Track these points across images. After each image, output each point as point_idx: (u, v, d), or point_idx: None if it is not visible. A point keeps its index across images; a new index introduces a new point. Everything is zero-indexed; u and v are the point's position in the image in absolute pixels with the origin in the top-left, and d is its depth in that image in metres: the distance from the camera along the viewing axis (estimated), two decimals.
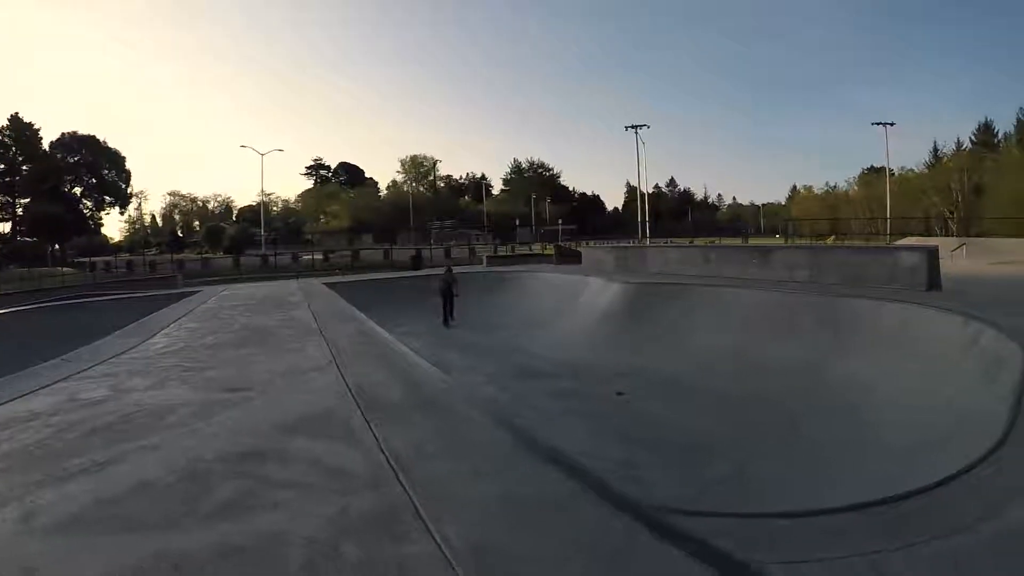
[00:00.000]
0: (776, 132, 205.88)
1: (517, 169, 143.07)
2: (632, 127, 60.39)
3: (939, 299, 10.21)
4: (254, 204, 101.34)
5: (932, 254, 12.50)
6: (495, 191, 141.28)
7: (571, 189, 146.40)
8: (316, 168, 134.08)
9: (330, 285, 17.12)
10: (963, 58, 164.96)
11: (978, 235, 51.67)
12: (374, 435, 3.94)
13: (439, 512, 2.77)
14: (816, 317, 10.50)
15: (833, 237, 59.01)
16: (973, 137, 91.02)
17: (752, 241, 49.59)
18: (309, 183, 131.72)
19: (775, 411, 8.24)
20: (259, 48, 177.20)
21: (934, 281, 12.03)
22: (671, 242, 52.44)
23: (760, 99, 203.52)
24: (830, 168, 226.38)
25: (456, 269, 18.78)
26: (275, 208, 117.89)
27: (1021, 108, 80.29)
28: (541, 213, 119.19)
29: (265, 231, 77.20)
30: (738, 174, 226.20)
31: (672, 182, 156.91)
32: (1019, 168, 61.71)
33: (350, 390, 5.18)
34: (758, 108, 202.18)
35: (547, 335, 13.87)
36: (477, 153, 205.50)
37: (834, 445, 6.83)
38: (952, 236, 58.90)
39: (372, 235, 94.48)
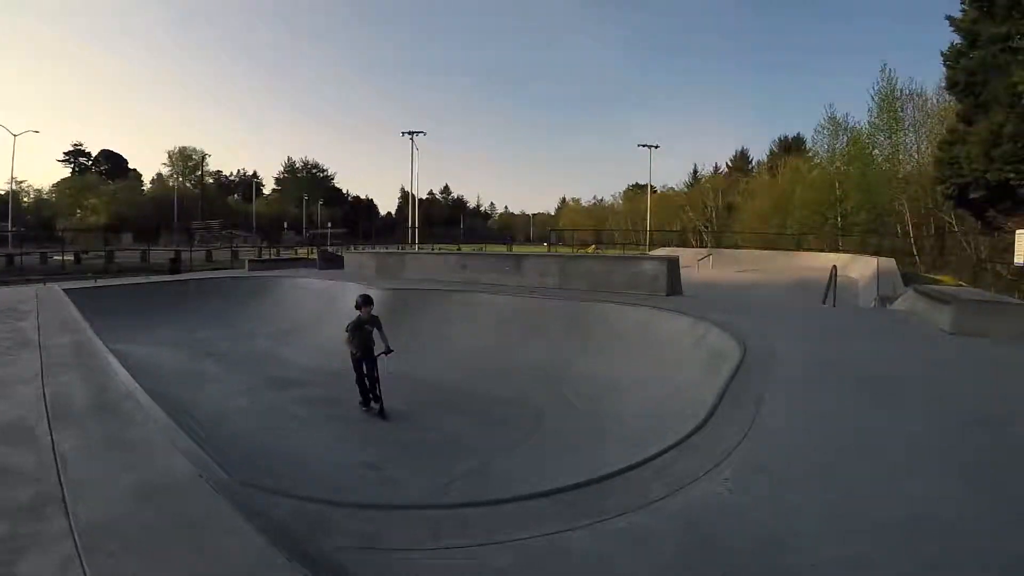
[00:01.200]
0: (551, 147, 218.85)
1: (291, 168, 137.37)
2: (408, 133, 60.17)
3: (676, 303, 11.22)
4: (1, 193, 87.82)
5: (672, 263, 13.48)
6: (267, 190, 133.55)
7: (345, 192, 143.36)
8: (75, 155, 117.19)
9: (71, 291, 15.38)
10: (724, 97, 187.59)
11: (727, 247, 57.72)
12: (51, 439, 4.15)
13: (79, 499, 3.10)
14: (564, 321, 11.12)
15: (594, 246, 61.43)
16: (730, 162, 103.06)
17: (518, 249, 51.51)
18: (67, 171, 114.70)
19: (524, 408, 8.62)
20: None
21: (674, 287, 13.16)
22: (439, 248, 53.32)
23: (537, 114, 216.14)
24: (600, 182, 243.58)
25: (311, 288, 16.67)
26: (26, 199, 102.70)
27: (773, 140, 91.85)
28: (313, 215, 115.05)
29: (12, 227, 67.21)
30: (512, 185, 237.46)
31: (447, 189, 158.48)
32: (765, 190, 69.61)
33: (46, 400, 5.18)
34: (535, 122, 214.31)
35: (305, 343, 13.44)
36: (250, 149, 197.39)
37: (576, 435, 7.28)
38: (704, 247, 65.47)
39: (133, 234, 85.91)
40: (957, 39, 28.28)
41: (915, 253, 41.36)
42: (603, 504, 3.36)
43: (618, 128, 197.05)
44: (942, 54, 29.06)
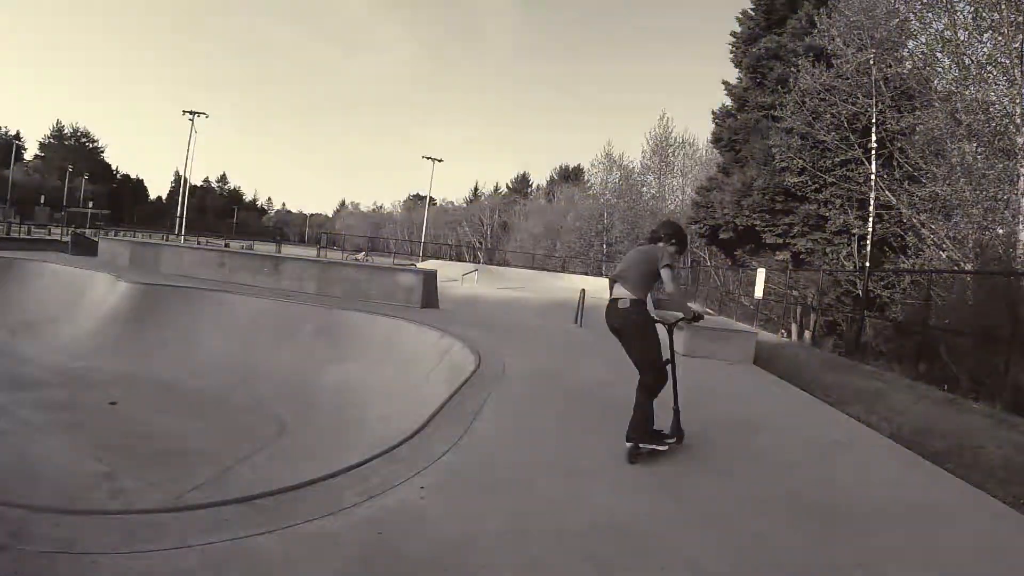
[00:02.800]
0: (336, 148, 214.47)
1: (59, 133, 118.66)
2: (190, 113, 55.23)
3: (430, 317, 11.67)
4: None
5: (429, 277, 14.10)
6: (28, 156, 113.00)
7: (115, 169, 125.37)
8: None
9: None
10: (509, 122, 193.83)
11: (498, 264, 59.64)
12: None
13: None
14: (317, 327, 11.03)
15: (363, 253, 60.48)
16: (510, 184, 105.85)
17: (287, 250, 48.93)
18: None
19: (269, 415, 8.56)
20: None
21: (430, 300, 13.80)
22: (206, 242, 49.76)
23: (326, 115, 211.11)
24: (383, 190, 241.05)
25: None
26: None
27: (554, 168, 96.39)
28: (76, 191, 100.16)
29: None
30: (293, 182, 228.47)
31: (224, 178, 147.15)
32: (540, 213, 72.97)
33: None
34: (325, 122, 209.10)
35: (46, 338, 12.03)
36: (13, 104, 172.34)
37: (318, 444, 7.32)
38: (475, 262, 67.14)
39: None
40: (728, 101, 31.78)
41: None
42: (295, 509, 3.47)
43: (408, 139, 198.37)
44: (712, 112, 32.54)
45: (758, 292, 22.46)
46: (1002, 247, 16.84)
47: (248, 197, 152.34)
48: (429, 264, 40.05)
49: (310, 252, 47.91)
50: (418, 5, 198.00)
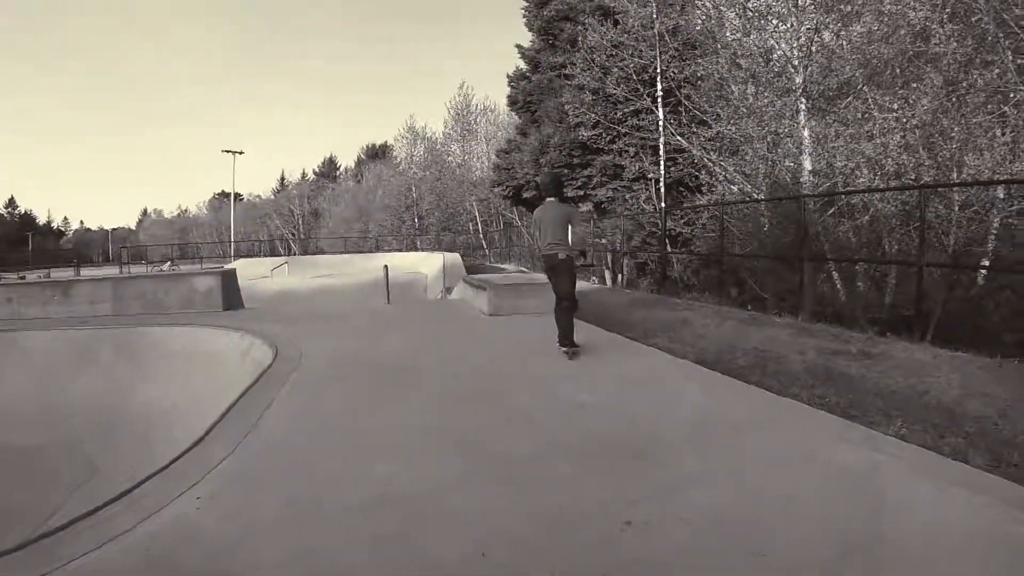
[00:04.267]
0: (130, 151, 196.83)
1: None
2: None
3: (230, 318, 11.25)
4: None
5: (227, 277, 13.49)
6: None
7: None
8: None
9: None
10: (313, 107, 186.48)
11: (312, 253, 57.28)
12: None
13: None
14: (115, 349, 10.17)
15: (169, 263, 54.90)
16: (317, 169, 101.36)
17: (88, 272, 43.10)
18: None
19: (76, 455, 7.94)
20: None
21: (231, 301, 13.20)
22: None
23: (108, 116, 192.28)
24: (186, 192, 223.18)
25: None
26: None
27: (361, 147, 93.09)
28: None
29: None
30: (89, 197, 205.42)
31: (12, 202, 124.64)
32: (350, 196, 70.91)
33: None
34: (111, 122, 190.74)
35: None
36: None
37: (133, 475, 5.96)
38: (289, 255, 64.13)
39: None
40: (523, 64, 31.46)
41: (484, 246, 45.03)
42: (60, 552, 3.06)
43: (206, 133, 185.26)
44: (507, 75, 31.97)
45: None
46: (789, 175, 17.48)
47: (42, 220, 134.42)
48: (239, 264, 37.35)
49: (112, 271, 43.32)
50: None
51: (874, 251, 15.42)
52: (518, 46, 30.97)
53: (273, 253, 64.54)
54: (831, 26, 16.91)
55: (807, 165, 16.59)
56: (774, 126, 17.77)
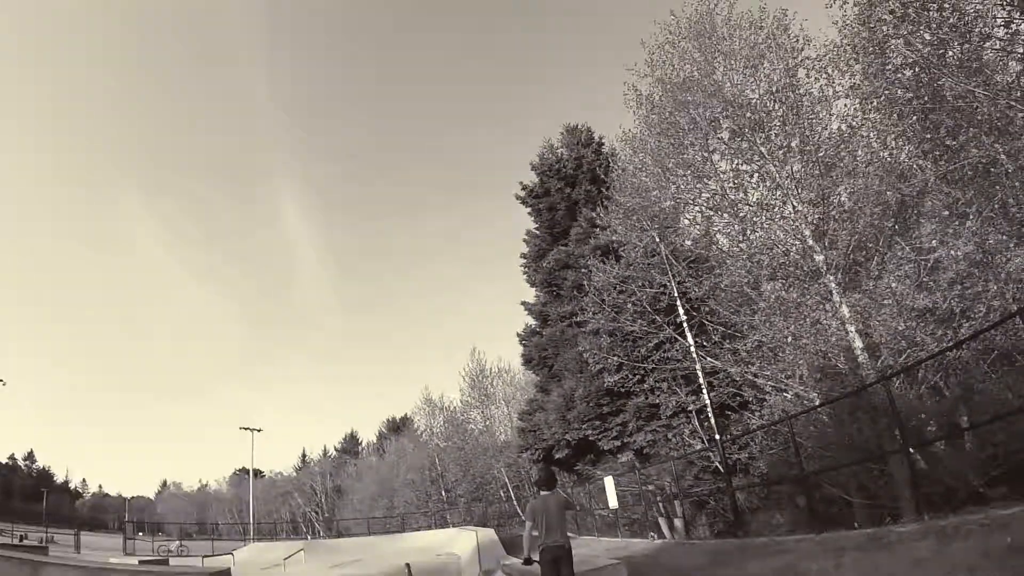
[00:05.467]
0: (152, 425, 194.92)
1: None
2: None
3: None
4: None
5: None
6: None
7: None
8: None
9: None
10: (333, 381, 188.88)
11: (337, 533, 53.29)
12: None
13: None
14: None
15: (178, 543, 48.22)
16: (338, 445, 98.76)
17: (90, 540, 38.56)
18: None
19: None
20: None
21: None
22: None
23: (136, 389, 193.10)
24: (205, 465, 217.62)
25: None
26: None
27: (382, 422, 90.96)
28: None
29: None
30: (110, 462, 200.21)
31: (31, 456, 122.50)
32: (372, 471, 67.86)
33: None
34: (137, 396, 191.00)
35: None
36: None
37: None
38: (309, 537, 59.81)
39: None
40: (531, 320, 30.49)
41: (519, 513, 40.83)
42: None
43: (229, 412, 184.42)
44: (517, 335, 30.96)
45: (611, 501, 19.69)
46: (843, 363, 15.28)
47: (60, 478, 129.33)
48: (250, 550, 33.63)
49: (117, 543, 39.56)
50: (223, 266, 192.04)
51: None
52: (524, 303, 30.32)
53: (296, 532, 60.53)
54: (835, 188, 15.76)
55: (857, 343, 14.45)
56: (813, 314, 15.74)
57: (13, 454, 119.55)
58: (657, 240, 21.48)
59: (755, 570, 9.22)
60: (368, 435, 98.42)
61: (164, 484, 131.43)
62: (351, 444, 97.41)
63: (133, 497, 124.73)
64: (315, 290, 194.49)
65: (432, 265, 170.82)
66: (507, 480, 43.44)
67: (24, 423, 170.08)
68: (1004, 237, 13.10)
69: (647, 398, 22.72)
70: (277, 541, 37.50)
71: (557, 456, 25.95)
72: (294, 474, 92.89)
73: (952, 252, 13.53)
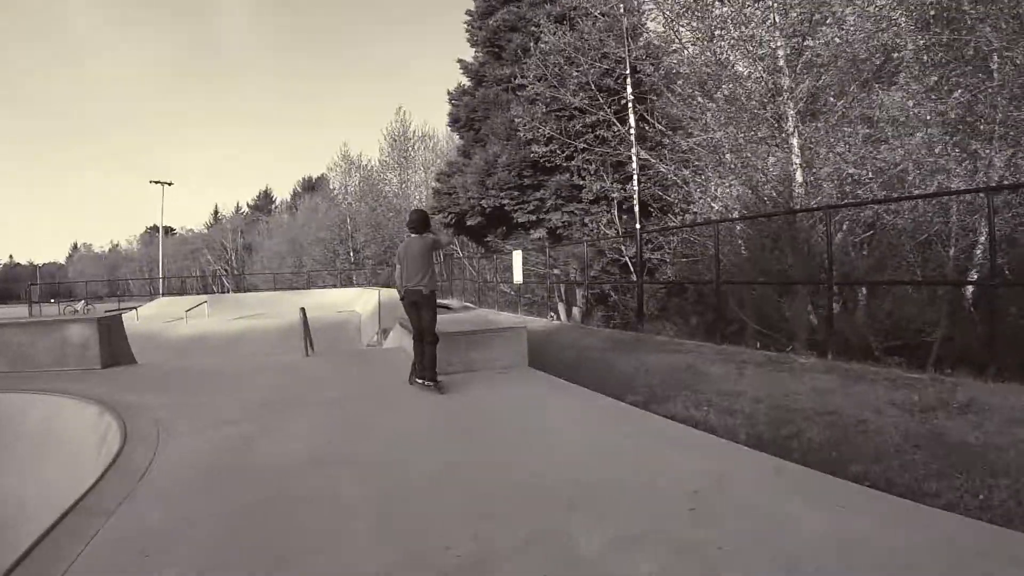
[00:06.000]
0: (60, 187, 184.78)
1: None
2: None
3: (108, 381, 8.47)
4: None
5: (110, 325, 10.47)
6: None
7: None
8: None
9: None
10: (251, 138, 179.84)
11: (246, 290, 52.58)
12: None
13: None
14: None
15: (83, 303, 42.50)
16: (251, 202, 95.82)
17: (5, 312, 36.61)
18: None
19: None
20: None
21: (115, 356, 10.29)
22: None
23: (38, 143, 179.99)
24: (117, 225, 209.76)
25: None
26: None
27: (297, 180, 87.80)
28: None
29: None
30: (18, 229, 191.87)
31: None
32: (282, 229, 66.31)
33: None
34: (40, 153, 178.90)
35: None
36: None
37: None
38: (223, 292, 59.15)
39: None
40: (465, 81, 27.88)
41: None
42: None
43: (139, 166, 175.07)
44: (448, 92, 28.27)
45: (517, 276, 19.07)
46: (777, 189, 14.61)
47: None
48: (155, 304, 32.37)
49: (24, 312, 37.78)
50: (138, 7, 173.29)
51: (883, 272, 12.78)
52: (460, 61, 27.44)
53: (205, 290, 59.41)
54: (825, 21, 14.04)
55: (798, 177, 13.92)
56: (764, 131, 14.89)
57: None
58: (622, 11, 19.19)
59: (656, 363, 8.94)
60: (283, 194, 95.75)
61: (75, 247, 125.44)
62: (264, 201, 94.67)
63: (44, 264, 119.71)
64: (244, 36, 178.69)
65: (370, 20, 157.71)
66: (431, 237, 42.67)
67: None
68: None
69: (572, 177, 21.52)
70: (184, 296, 35.89)
71: (469, 223, 24.86)
72: (205, 231, 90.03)
73: (918, 111, 12.36)
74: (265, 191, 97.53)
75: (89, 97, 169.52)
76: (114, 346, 10.36)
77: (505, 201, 22.71)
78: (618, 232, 21.12)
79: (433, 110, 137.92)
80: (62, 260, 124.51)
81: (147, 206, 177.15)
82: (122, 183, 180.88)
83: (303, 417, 6.07)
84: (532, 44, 21.46)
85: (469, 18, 27.21)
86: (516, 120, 21.76)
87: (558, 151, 20.99)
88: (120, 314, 11.58)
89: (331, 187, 59.73)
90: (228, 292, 57.64)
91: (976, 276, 11.56)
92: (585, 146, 20.71)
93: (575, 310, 23.22)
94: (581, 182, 21.24)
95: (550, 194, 22.08)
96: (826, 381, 6.79)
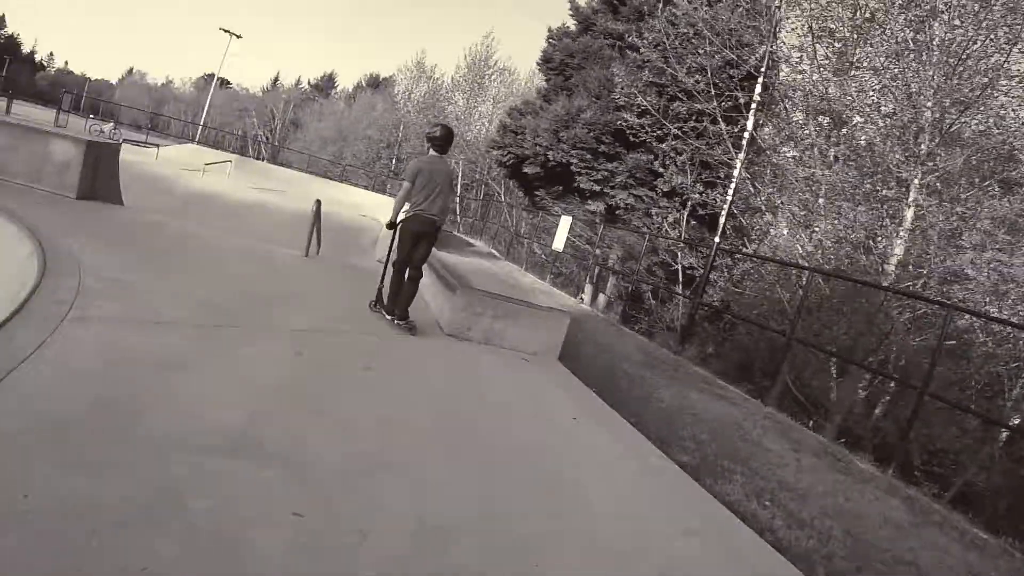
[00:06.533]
0: (127, 13, 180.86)
1: None
2: None
3: (66, 215, 7.17)
4: None
5: (105, 152, 9.21)
6: None
7: None
8: None
9: None
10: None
11: (282, 164, 50.42)
12: None
13: None
14: None
15: (111, 126, 38.58)
16: (312, 80, 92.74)
17: (25, 111, 33.56)
18: None
19: None
20: None
21: (98, 189, 8.90)
22: None
23: None
24: (176, 62, 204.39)
25: None
26: None
27: (364, 75, 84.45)
28: None
29: None
30: (81, 39, 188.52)
31: (1, 21, 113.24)
32: (335, 116, 63.90)
33: None
34: None
35: None
36: None
37: None
38: (259, 158, 56.77)
39: None
40: (571, 24, 25.18)
41: (457, 212, 38.62)
42: None
43: (210, 6, 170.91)
44: (548, 29, 25.44)
45: (558, 243, 17.09)
46: (875, 259, 12.75)
47: (27, 49, 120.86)
48: (173, 149, 30.01)
49: (48, 118, 35.51)
50: None
51: None
52: (571, 1, 24.87)
53: (242, 152, 57.29)
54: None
55: (897, 251, 12.40)
56: (886, 190, 13.08)
57: None
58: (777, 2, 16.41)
59: (699, 405, 7.79)
60: (346, 83, 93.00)
61: (130, 71, 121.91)
62: (326, 84, 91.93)
63: (98, 79, 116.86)
64: None
65: None
66: (460, 174, 40.25)
67: None
68: None
69: (653, 161, 19.25)
70: (213, 150, 33.25)
71: (526, 170, 22.57)
72: (259, 95, 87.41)
73: None
74: (329, 75, 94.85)
75: None
76: (98, 178, 8.93)
77: (574, 160, 20.40)
78: (680, 235, 18.94)
79: (521, 45, 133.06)
80: (113, 81, 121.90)
81: (209, 53, 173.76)
82: (190, 23, 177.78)
83: (252, 348, 4.51)
84: (660, 6, 18.95)
85: None
86: (616, 80, 19.35)
87: (648, 128, 18.65)
88: (118, 144, 9.82)
89: (395, 92, 57.01)
90: (262, 159, 55.51)
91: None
92: (679, 134, 18.38)
93: (601, 297, 21.31)
94: (662, 169, 18.94)
95: (624, 170, 19.81)
96: (894, 508, 5.75)
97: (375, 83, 77.29)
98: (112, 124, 37.19)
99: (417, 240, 6.11)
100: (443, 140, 6.20)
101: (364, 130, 52.60)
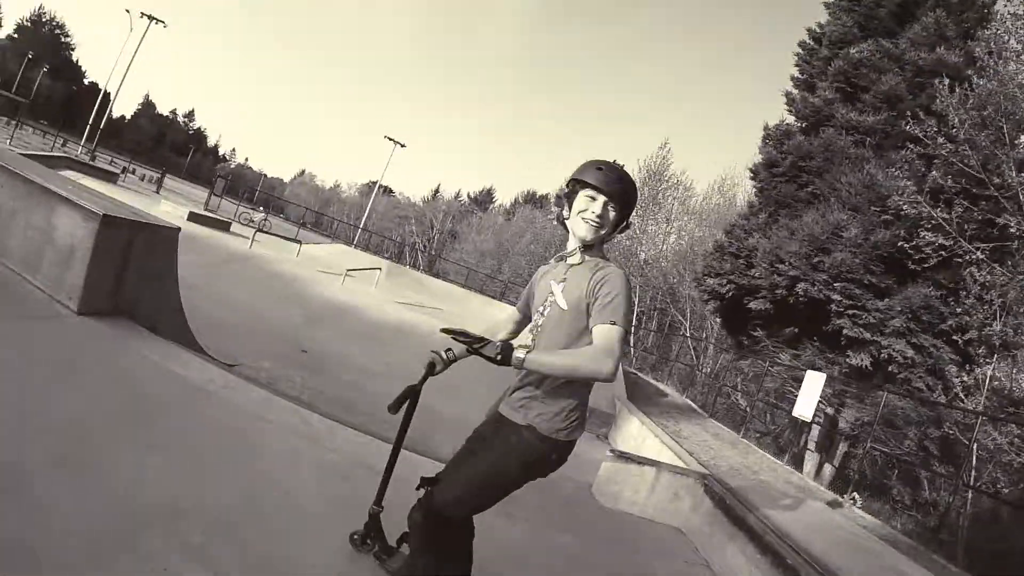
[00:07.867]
0: (309, 113, 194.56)
1: (37, 18, 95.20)
2: (147, 16, 41.97)
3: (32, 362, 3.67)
4: None
5: (131, 233, 4.99)
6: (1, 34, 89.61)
7: (83, 69, 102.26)
8: None
9: None
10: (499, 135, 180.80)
11: (435, 275, 47.88)
12: None
13: None
14: None
15: (264, 217, 31.50)
16: (471, 194, 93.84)
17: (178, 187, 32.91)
18: None
19: None
20: None
21: (117, 299, 4.87)
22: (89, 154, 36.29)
23: (305, 76, 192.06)
24: (352, 170, 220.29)
25: None
26: None
27: (521, 192, 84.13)
28: (32, 82, 78.36)
29: None
30: (260, 140, 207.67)
31: (191, 115, 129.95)
32: (493, 231, 62.18)
33: None
34: (302, 84, 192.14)
35: None
36: None
37: None
38: (412, 266, 54.74)
39: None
40: (790, 119, 19.89)
41: (631, 343, 32.73)
42: None
43: (380, 125, 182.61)
44: (765, 129, 19.77)
45: (803, 410, 11.21)
46: None
47: (212, 142, 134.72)
48: (337, 247, 27.03)
49: (199, 198, 34.49)
50: None
51: None
52: (787, 93, 19.92)
53: (398, 259, 55.61)
54: None
55: None
56: None
57: (175, 109, 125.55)
58: None
59: None
60: (504, 198, 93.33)
61: (301, 172, 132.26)
62: (485, 197, 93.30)
63: (271, 176, 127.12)
64: (505, 34, 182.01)
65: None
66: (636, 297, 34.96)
67: (189, 83, 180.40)
68: None
69: (944, 296, 13.50)
70: (365, 252, 29.83)
71: (749, 304, 16.83)
72: (420, 204, 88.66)
73: None
74: (488, 189, 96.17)
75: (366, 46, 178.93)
76: (127, 280, 4.94)
77: (835, 296, 14.57)
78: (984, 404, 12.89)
79: (693, 157, 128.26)
80: (286, 179, 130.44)
81: (376, 162, 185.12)
82: (361, 137, 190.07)
83: None
84: (944, 88, 13.65)
85: (807, 45, 19.80)
86: (887, 187, 14.00)
87: (941, 247, 13.10)
88: (175, 230, 5.59)
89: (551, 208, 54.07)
90: (419, 268, 53.28)
91: None
92: (982, 256, 12.74)
93: (827, 468, 15.41)
94: (958, 309, 13.14)
95: (896, 309, 13.89)
96: None
97: (533, 199, 76.31)
98: (264, 215, 33.40)
99: (470, 444, 2.56)
100: (622, 195, 2.39)
101: (527, 245, 49.41)
